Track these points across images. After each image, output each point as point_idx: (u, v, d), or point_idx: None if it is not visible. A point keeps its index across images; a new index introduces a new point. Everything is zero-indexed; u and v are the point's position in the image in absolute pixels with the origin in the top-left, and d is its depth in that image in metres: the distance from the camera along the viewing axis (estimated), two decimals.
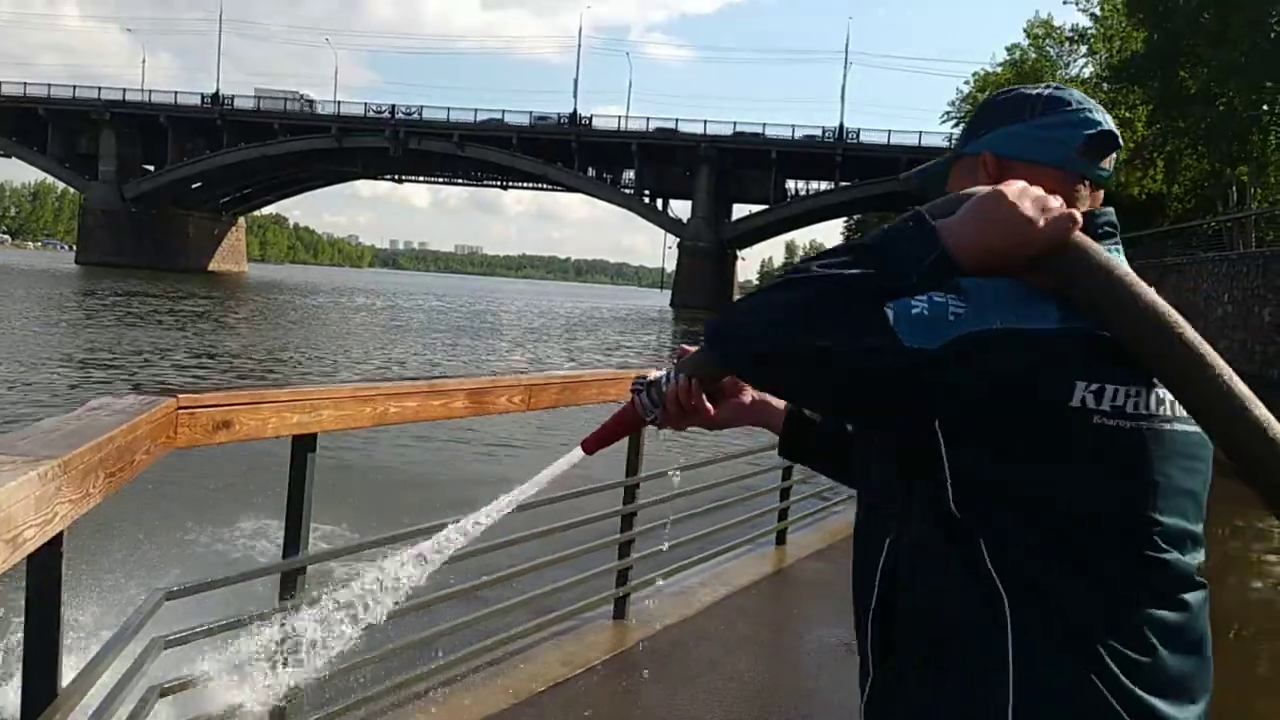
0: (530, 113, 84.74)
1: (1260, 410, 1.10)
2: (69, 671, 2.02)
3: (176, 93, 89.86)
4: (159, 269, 75.59)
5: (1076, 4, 42.04)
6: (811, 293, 1.14)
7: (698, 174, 79.14)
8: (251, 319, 36.51)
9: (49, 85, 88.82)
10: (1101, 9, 41.67)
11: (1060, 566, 1.11)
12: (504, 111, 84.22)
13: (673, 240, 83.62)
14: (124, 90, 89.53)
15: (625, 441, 4.48)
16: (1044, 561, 1.11)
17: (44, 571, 1.84)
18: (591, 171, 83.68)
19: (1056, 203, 1.17)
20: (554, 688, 3.76)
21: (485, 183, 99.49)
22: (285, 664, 2.87)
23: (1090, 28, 42.92)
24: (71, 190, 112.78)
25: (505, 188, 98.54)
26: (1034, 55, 44.90)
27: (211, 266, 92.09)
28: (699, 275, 78.48)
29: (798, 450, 1.68)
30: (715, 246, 79.71)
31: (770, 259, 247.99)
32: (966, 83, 56.07)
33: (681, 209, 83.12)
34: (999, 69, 47.79)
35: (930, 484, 1.15)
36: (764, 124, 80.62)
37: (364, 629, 3.02)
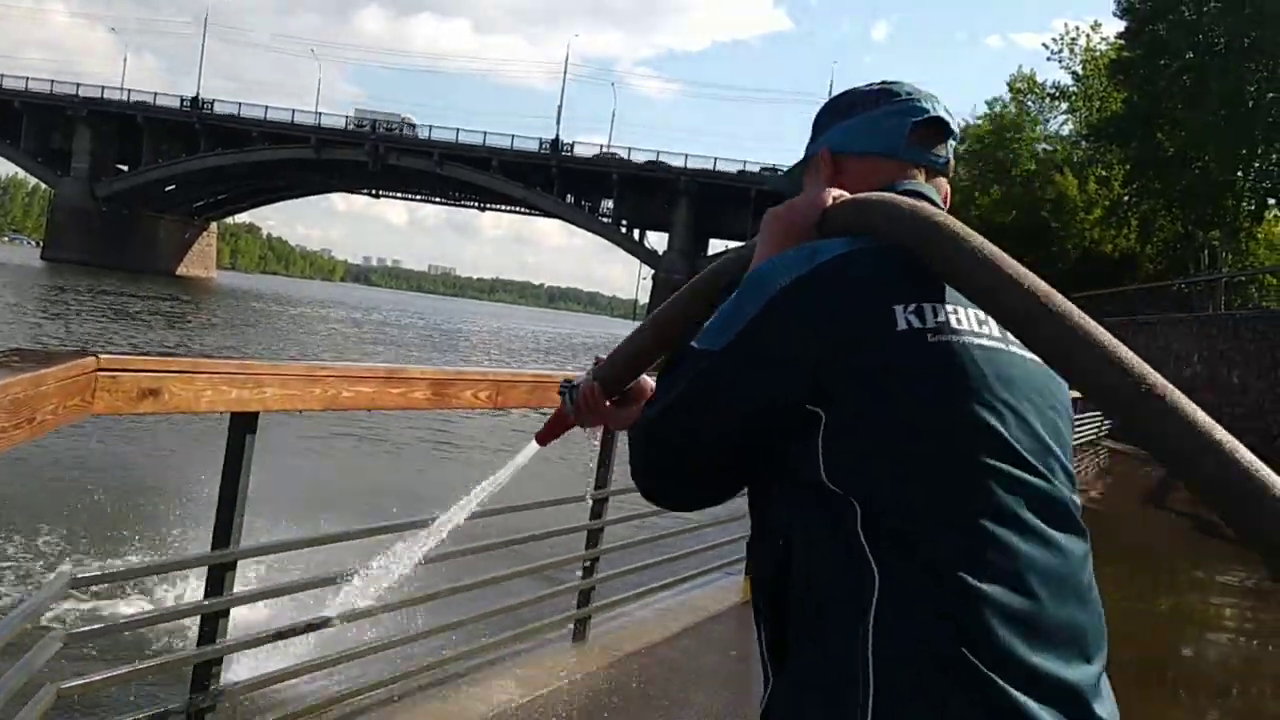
0: (513, 135, 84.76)
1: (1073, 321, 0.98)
2: None
3: (155, 94, 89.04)
4: (126, 270, 74.39)
5: (1059, 62, 42.62)
6: (662, 374, 1.23)
7: (676, 207, 79.30)
8: (214, 324, 35.87)
9: (26, 79, 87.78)
10: (1083, 68, 42.24)
11: (922, 509, 1.02)
12: (485, 133, 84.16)
13: (648, 271, 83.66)
14: (103, 88, 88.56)
15: (595, 455, 4.22)
16: (906, 508, 1.02)
17: None
18: (570, 198, 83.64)
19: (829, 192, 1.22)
20: (505, 715, 3.46)
21: (463, 203, 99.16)
22: (206, 674, 2.57)
23: (1072, 86, 43.47)
24: (43, 186, 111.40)
25: (483, 209, 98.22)
26: (1014, 110, 45.37)
27: (180, 271, 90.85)
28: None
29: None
30: (689, 279, 79.47)
31: None
32: None
33: (659, 241, 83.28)
34: (979, 121, 48.26)
35: (805, 462, 1.08)
36: (744, 161, 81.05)
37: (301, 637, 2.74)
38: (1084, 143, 40.09)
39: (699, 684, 4.09)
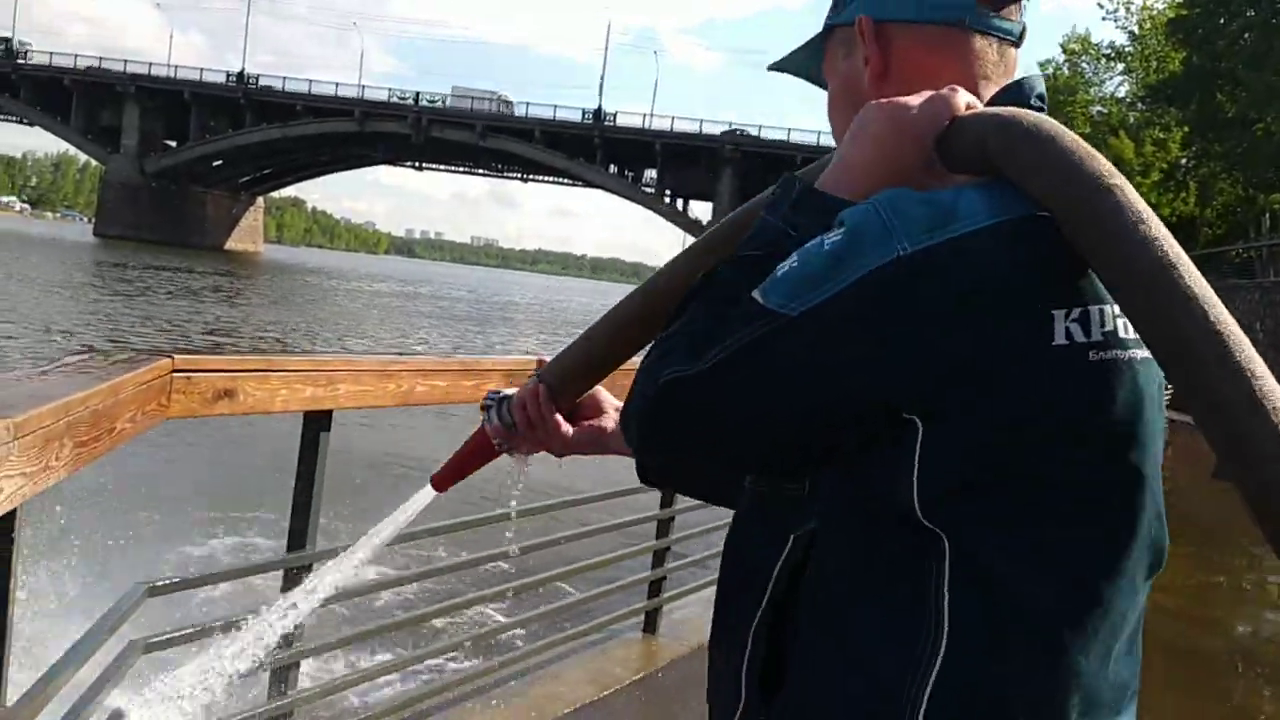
0: (555, 106, 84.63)
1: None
2: (24, 681, 1.67)
3: (202, 70, 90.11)
4: (175, 245, 75.45)
5: (1115, 21, 41.57)
6: (692, 317, 0.91)
7: (720, 176, 78.74)
8: (263, 299, 36.23)
9: (75, 56, 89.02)
10: (1140, 27, 41.14)
11: (1030, 559, 0.84)
12: (528, 104, 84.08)
13: (691, 241, 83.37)
14: (149, 65, 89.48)
15: None
16: (1012, 557, 0.83)
17: None
18: (613, 169, 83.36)
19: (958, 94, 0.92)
20: (578, 710, 3.38)
21: (506, 174, 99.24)
22: (283, 678, 2.51)
23: (1128, 46, 42.38)
24: (93, 163, 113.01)
25: (525, 180, 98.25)
26: (1068, 72, 44.35)
27: (228, 245, 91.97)
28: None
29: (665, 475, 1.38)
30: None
31: None
32: None
33: (703, 210, 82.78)
34: None
35: (885, 480, 0.85)
36: (788, 129, 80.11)
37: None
38: (1140, 104, 39.13)
39: None
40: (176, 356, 2.07)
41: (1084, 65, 44.69)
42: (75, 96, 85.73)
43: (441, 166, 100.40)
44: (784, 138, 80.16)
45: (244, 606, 2.60)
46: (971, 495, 0.84)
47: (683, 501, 4.15)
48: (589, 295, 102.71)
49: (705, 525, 4.30)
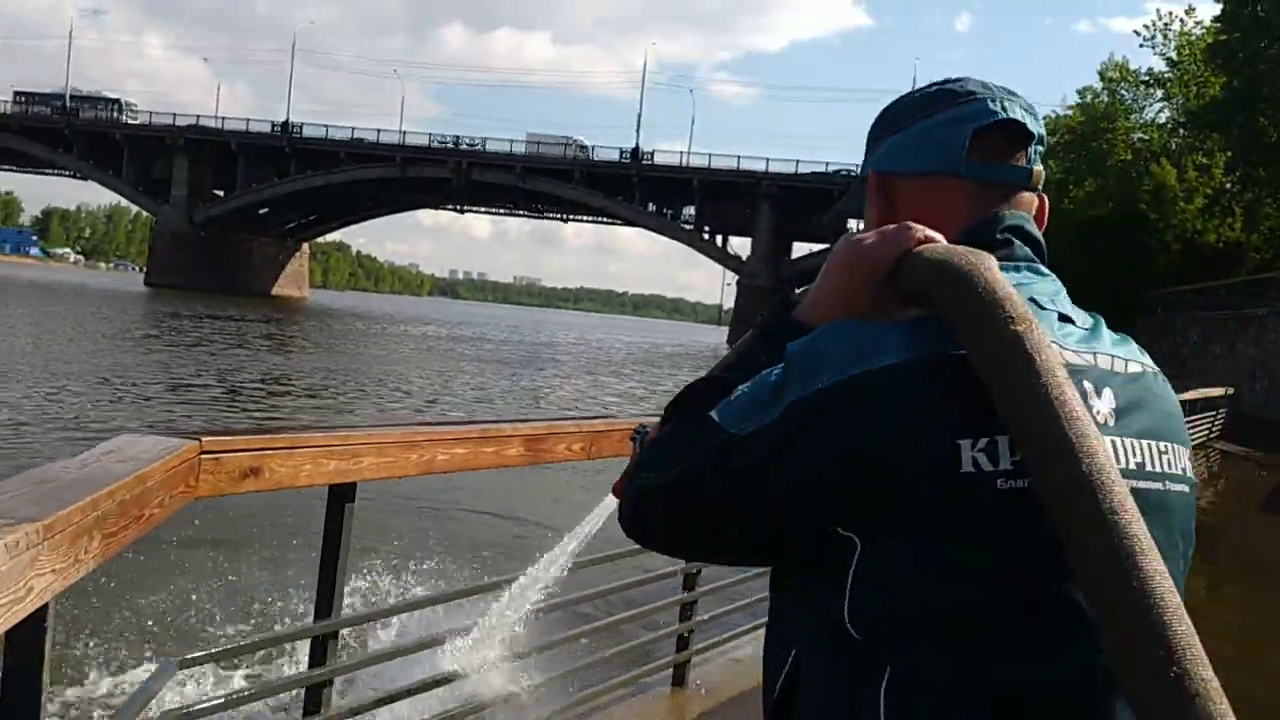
0: (593, 146, 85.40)
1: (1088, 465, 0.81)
2: None
3: (248, 120, 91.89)
4: (224, 292, 76.85)
5: (1153, 48, 41.30)
6: (665, 434, 1.01)
7: (759, 211, 78.92)
8: (309, 345, 36.77)
9: (123, 106, 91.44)
10: (1179, 53, 40.84)
11: (960, 682, 0.88)
12: (538, 142, 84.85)
13: (731, 277, 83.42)
14: (198, 117, 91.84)
15: None
16: (943, 679, 0.88)
17: (21, 656, 1.56)
18: (652, 206, 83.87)
19: (911, 230, 1.00)
20: None
21: (546, 215, 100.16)
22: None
23: (1167, 72, 42.08)
24: (144, 214, 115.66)
25: (565, 220, 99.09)
26: (1107, 99, 44.09)
27: (274, 291, 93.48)
28: (757, 313, 78.10)
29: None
30: (774, 284, 79.24)
31: None
32: None
33: (741, 246, 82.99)
34: (1071, 111, 47.03)
35: (827, 593, 0.92)
36: (827, 163, 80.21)
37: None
38: (1182, 130, 38.73)
39: None
40: (204, 438, 2.16)
41: (1123, 92, 44.47)
42: (126, 150, 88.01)
43: (482, 209, 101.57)
44: (823, 171, 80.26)
45: (275, 670, 2.70)
46: (896, 608, 0.89)
47: None
48: (631, 333, 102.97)
49: (732, 579, 4.32)
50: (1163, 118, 43.74)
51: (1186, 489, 1.01)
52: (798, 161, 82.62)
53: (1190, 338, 30.21)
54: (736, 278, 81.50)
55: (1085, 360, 0.97)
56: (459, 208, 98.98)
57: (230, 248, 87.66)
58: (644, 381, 33.83)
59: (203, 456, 2.14)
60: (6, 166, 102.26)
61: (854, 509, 0.90)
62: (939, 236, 1.00)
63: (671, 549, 1.07)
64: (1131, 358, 1.02)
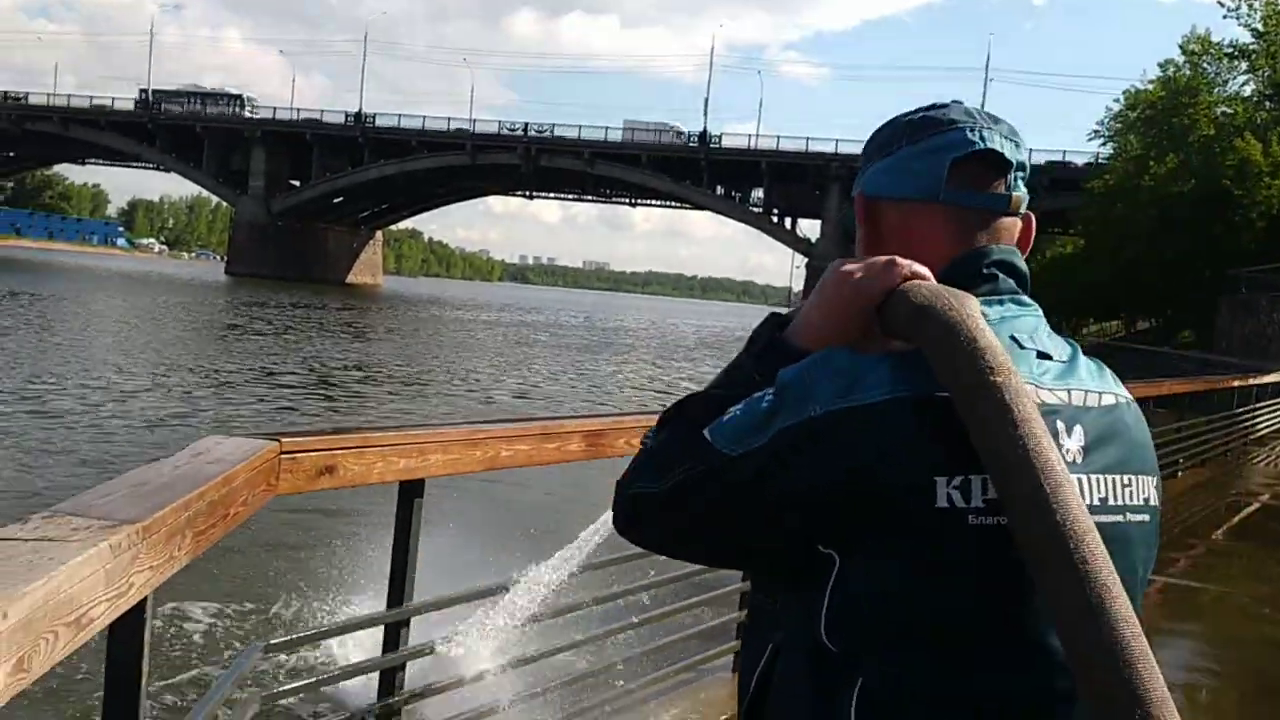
0: (659, 130, 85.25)
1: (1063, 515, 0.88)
2: None
3: (322, 111, 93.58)
4: (301, 281, 78.55)
5: (1238, 19, 39.95)
6: (662, 443, 1.09)
7: (828, 193, 78.17)
8: (386, 332, 37.47)
9: (202, 98, 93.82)
10: (1265, 24, 39.45)
11: (927, 702, 0.96)
12: (634, 130, 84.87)
13: (801, 260, 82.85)
14: (274, 109, 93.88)
15: None
16: (909, 696, 0.96)
17: (123, 645, 1.72)
18: (720, 189, 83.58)
19: (899, 266, 1.05)
20: None
21: (614, 200, 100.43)
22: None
23: (1252, 44, 40.67)
24: (224, 204, 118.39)
25: (634, 205, 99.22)
26: (1189, 73, 42.78)
27: (349, 279, 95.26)
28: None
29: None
30: None
31: None
32: (1116, 100, 53.87)
33: (811, 228, 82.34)
34: (1150, 85, 45.74)
35: (806, 605, 1.00)
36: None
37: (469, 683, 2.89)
38: (1268, 103, 37.45)
39: None
40: (283, 439, 2.32)
41: (1206, 65, 43.10)
42: (206, 142, 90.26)
43: (551, 195, 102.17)
44: None
45: (350, 655, 2.86)
46: (869, 625, 0.97)
47: None
48: (700, 317, 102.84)
49: None
50: (1247, 90, 42.36)
51: (1147, 518, 1.07)
52: (678, 132, 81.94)
53: (1275, 318, 29.28)
54: (806, 260, 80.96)
55: (1059, 399, 1.03)
56: (528, 194, 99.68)
57: (307, 237, 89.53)
58: (715, 366, 33.88)
59: (282, 457, 2.30)
60: (94, 160, 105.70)
61: (833, 530, 0.97)
62: (926, 272, 1.05)
63: (661, 552, 1.16)
64: (1106, 389, 1.08)
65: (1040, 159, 75.29)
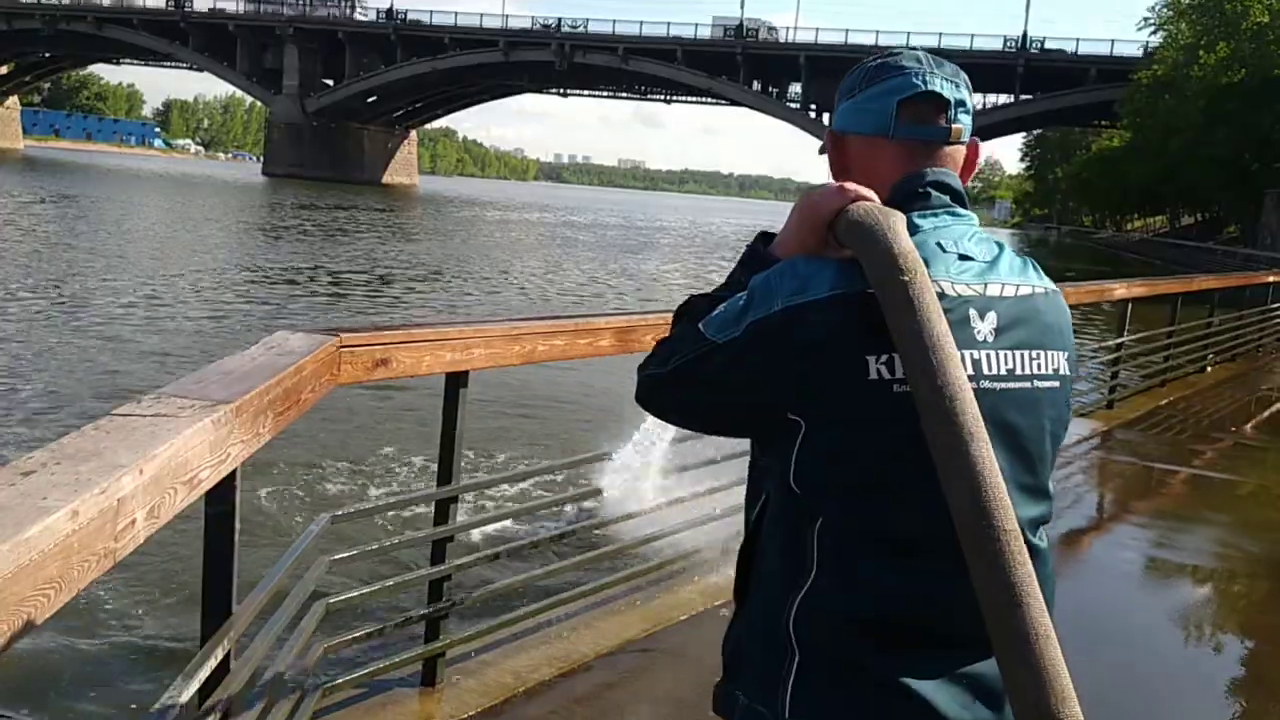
0: (696, 25, 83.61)
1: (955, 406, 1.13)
2: (244, 591, 2.23)
3: (354, 3, 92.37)
4: (337, 181, 78.85)
5: None
6: (670, 335, 1.37)
7: None
8: (426, 232, 37.75)
9: (238, 1, 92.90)
10: None
11: (862, 532, 1.21)
12: (669, 24, 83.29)
13: None
14: (304, 7, 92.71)
15: None
16: (852, 530, 1.21)
17: (219, 506, 2.02)
18: (757, 85, 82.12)
19: (846, 190, 1.28)
20: (692, 617, 3.87)
21: (649, 96, 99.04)
22: (439, 590, 3.07)
23: None
24: (259, 104, 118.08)
25: (669, 101, 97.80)
26: None
27: (385, 179, 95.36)
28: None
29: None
30: None
31: None
32: None
33: None
34: None
35: (780, 460, 1.25)
36: (940, 33, 77.02)
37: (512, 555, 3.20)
38: None
39: None
40: (343, 334, 2.59)
41: None
42: (239, 41, 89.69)
43: (586, 92, 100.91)
44: (934, 45, 77.10)
45: (407, 527, 3.18)
46: (823, 475, 1.23)
47: None
48: (737, 215, 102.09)
49: None
50: None
51: (1057, 384, 1.31)
52: (909, 34, 79.61)
53: None
54: None
55: (975, 291, 1.27)
56: (562, 91, 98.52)
57: (342, 136, 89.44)
58: None
59: (341, 350, 2.57)
60: (127, 60, 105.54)
61: (795, 400, 1.23)
62: (871, 194, 1.29)
63: (670, 421, 1.45)
64: (1024, 282, 1.31)
65: (1087, 49, 73.15)
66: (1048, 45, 75.51)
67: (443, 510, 3.07)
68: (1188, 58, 44.21)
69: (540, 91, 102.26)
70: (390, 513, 2.89)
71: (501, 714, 2.98)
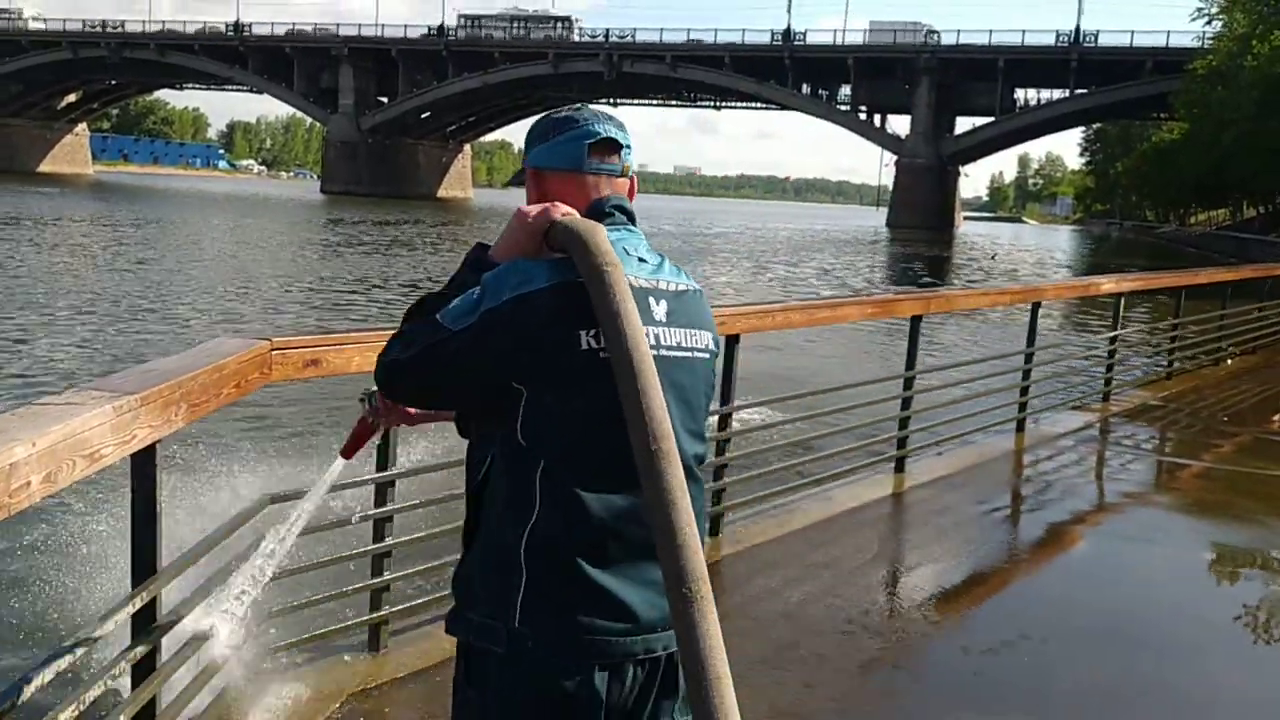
0: (743, 30, 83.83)
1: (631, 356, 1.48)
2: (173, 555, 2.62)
3: (406, 26, 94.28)
4: (393, 196, 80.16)
5: None
6: (407, 328, 1.67)
7: (917, 87, 76.09)
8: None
9: (293, 24, 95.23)
10: None
11: (578, 471, 1.57)
12: (716, 30, 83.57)
13: (890, 158, 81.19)
14: (359, 26, 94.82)
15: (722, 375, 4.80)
16: (568, 469, 1.57)
17: (142, 475, 2.42)
18: (806, 88, 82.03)
19: (557, 208, 1.66)
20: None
21: (699, 104, 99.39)
22: (381, 564, 3.45)
23: None
24: (317, 124, 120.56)
25: (719, 108, 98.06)
26: None
27: (440, 193, 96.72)
28: (917, 193, 76.11)
29: (465, 427, 1.93)
30: (935, 163, 76.82)
31: (1000, 174, 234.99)
32: None
33: (900, 125, 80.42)
34: None
35: (509, 419, 1.59)
36: (990, 30, 76.29)
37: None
38: None
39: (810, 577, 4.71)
40: (275, 339, 2.97)
41: None
42: (296, 62, 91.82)
43: (635, 101, 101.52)
44: (985, 41, 76.45)
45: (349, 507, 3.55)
46: (545, 427, 1.58)
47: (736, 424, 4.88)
48: (793, 219, 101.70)
49: (754, 448, 4.94)
50: None
51: (707, 356, 1.73)
52: (958, 31, 78.81)
53: None
54: (895, 158, 79.31)
55: (650, 284, 1.66)
56: (612, 100, 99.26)
57: (397, 152, 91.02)
58: (815, 268, 34.70)
59: (273, 352, 2.95)
60: (190, 85, 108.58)
61: (522, 371, 1.58)
62: (574, 211, 1.68)
63: (414, 403, 1.82)
64: (679, 281, 1.72)
65: (1142, 40, 71.91)
66: (1102, 39, 74.39)
67: (381, 492, 3.45)
68: (1241, 48, 43.43)
69: (590, 102, 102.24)
70: (333, 494, 3.25)
71: (440, 674, 3.32)
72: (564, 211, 1.66)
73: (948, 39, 77.95)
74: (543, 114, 1.84)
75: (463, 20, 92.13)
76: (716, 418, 4.74)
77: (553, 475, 1.59)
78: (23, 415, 1.97)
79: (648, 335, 1.57)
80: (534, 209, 1.68)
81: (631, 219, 1.75)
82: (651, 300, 1.64)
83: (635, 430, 1.48)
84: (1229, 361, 11.53)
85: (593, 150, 1.73)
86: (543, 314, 1.57)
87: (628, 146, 1.78)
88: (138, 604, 2.37)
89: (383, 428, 2.02)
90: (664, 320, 1.65)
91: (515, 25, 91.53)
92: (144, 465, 2.41)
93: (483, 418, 1.70)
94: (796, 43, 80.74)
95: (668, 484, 1.45)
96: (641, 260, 1.69)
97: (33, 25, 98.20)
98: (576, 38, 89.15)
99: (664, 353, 1.62)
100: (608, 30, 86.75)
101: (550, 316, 1.57)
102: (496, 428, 1.64)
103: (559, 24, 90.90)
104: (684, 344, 1.67)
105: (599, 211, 1.71)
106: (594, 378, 1.55)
